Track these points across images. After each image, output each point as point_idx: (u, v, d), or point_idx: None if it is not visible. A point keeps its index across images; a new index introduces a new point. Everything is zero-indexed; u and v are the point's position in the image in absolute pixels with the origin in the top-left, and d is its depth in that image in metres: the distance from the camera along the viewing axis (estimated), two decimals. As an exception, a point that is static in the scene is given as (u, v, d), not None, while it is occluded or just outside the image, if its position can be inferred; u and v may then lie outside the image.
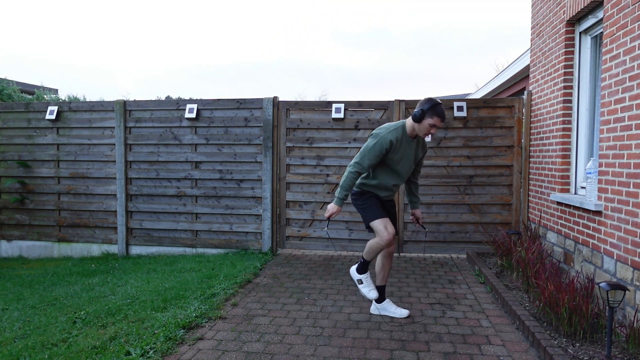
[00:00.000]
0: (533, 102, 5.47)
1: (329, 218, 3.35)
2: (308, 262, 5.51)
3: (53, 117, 6.47)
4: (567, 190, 4.63)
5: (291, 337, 3.25)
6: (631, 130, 3.22)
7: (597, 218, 3.72)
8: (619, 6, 3.43)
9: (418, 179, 3.72)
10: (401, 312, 3.60)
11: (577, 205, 4.00)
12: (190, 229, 6.25)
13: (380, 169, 3.41)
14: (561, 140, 4.63)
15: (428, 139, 5.73)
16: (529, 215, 5.55)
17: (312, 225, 6.01)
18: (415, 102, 5.82)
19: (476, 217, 5.75)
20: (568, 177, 4.63)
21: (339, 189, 3.34)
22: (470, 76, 47.35)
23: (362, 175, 3.45)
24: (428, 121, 3.19)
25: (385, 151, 3.27)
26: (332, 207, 3.35)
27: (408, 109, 5.82)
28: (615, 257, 3.40)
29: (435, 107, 3.18)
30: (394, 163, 3.36)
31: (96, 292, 4.57)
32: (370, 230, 3.41)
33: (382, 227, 3.29)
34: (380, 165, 3.39)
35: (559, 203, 4.58)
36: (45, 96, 14.39)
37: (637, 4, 3.18)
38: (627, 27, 3.30)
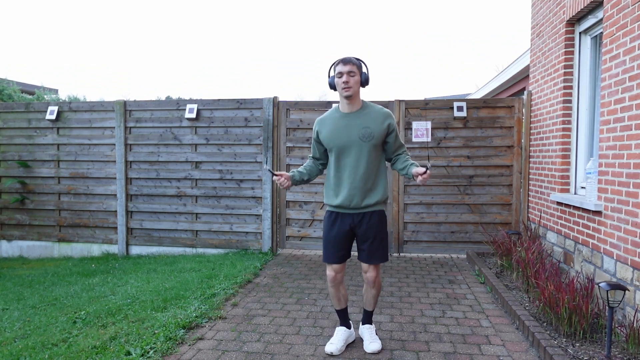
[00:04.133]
0: (533, 102, 5.48)
1: None
2: (308, 262, 5.51)
3: (53, 117, 6.47)
4: (567, 190, 4.63)
5: (291, 337, 3.25)
6: (631, 130, 3.23)
7: (597, 218, 3.72)
8: (619, 6, 3.43)
9: (403, 153, 3.05)
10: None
11: (577, 205, 4.00)
12: (190, 229, 6.25)
13: (329, 166, 3.04)
14: (561, 140, 4.63)
15: (427, 137, 5.74)
16: (529, 215, 5.56)
17: (312, 225, 6.01)
18: (415, 102, 5.82)
19: (476, 217, 5.75)
20: (568, 177, 4.63)
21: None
22: (470, 76, 47.40)
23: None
24: (336, 76, 2.88)
25: (317, 135, 3.00)
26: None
27: (408, 109, 5.82)
28: (615, 257, 3.41)
29: (335, 62, 2.94)
30: (330, 146, 2.94)
31: (96, 292, 4.58)
32: None
33: (327, 270, 3.03)
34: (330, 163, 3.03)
35: (558, 203, 4.58)
36: (45, 96, 14.39)
37: (637, 4, 3.19)
38: (627, 27, 3.31)
